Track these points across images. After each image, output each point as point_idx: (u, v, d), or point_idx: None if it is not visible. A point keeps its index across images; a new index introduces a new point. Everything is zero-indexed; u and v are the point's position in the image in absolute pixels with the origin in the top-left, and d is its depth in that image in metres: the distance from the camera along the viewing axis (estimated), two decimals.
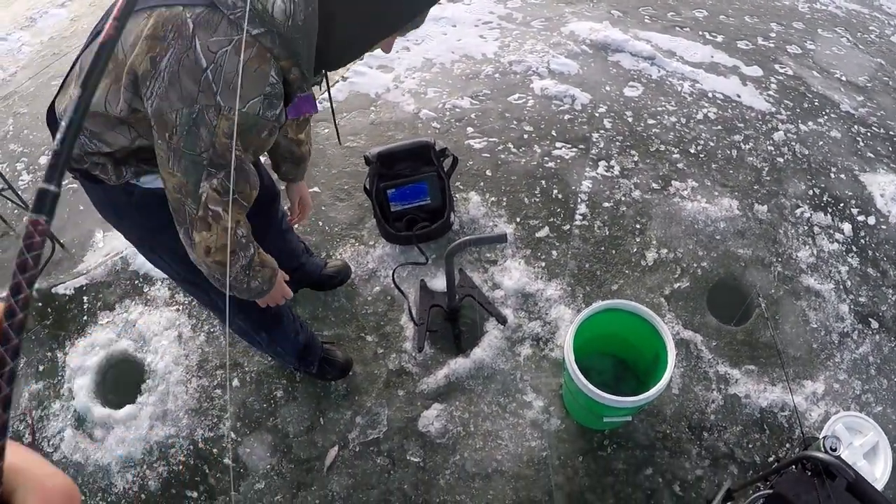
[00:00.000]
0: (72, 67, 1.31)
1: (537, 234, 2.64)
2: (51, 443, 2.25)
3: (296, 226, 2.18)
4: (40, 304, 2.59)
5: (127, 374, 2.39)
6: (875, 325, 2.51)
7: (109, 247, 2.73)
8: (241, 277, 1.37)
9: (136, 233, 1.56)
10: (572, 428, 2.16)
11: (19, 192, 2.74)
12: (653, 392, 1.80)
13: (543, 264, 2.55)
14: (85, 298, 2.55)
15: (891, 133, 3.17)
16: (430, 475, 2.05)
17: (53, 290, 2.60)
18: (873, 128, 3.19)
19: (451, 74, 3.28)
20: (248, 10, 1.02)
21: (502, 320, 2.36)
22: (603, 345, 2.19)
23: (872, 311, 2.55)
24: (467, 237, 1.98)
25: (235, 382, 2.28)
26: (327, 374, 2.21)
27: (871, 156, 3.06)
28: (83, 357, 2.38)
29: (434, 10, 3.82)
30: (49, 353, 2.44)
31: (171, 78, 1.05)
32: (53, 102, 1.38)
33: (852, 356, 2.42)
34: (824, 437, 1.71)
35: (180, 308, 2.48)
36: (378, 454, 2.10)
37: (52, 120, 1.40)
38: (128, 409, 2.24)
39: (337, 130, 1.94)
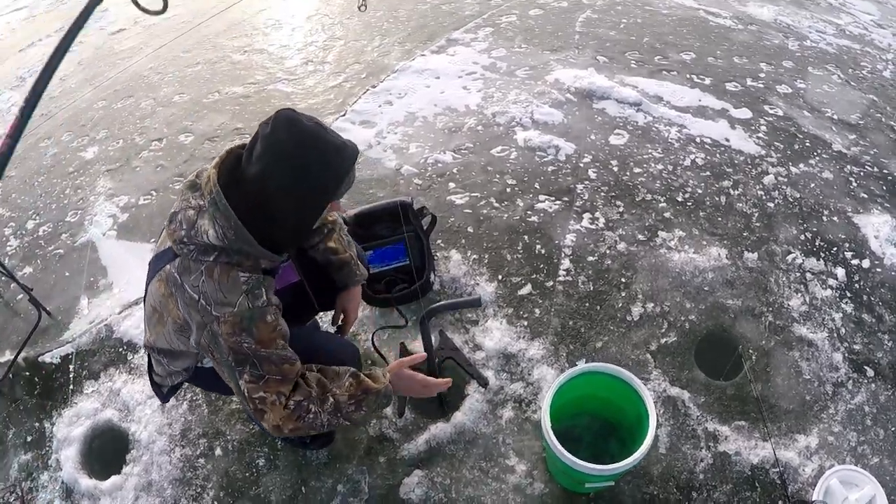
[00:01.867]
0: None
1: (520, 292, 2.82)
2: None
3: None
4: (27, 373, 2.81)
5: (112, 443, 2.58)
6: (871, 373, 2.64)
7: (94, 314, 2.96)
8: (336, 421, 1.65)
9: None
10: (556, 492, 2.30)
11: (4, 263, 2.98)
12: (632, 459, 1.92)
13: (526, 323, 2.72)
14: (71, 367, 2.77)
15: (884, 172, 3.36)
16: None
17: (40, 359, 2.82)
18: (866, 167, 3.37)
19: (434, 128, 3.53)
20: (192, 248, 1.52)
21: (483, 383, 2.53)
22: (585, 405, 2.34)
23: (868, 358, 2.68)
24: (440, 303, 2.17)
25: (218, 451, 2.45)
26: (313, 443, 2.39)
27: (865, 196, 3.23)
28: (69, 427, 2.59)
29: (418, 63, 4.12)
30: (37, 424, 2.65)
31: (188, 316, 1.53)
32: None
33: (847, 407, 2.54)
34: (813, 502, 1.83)
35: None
36: None
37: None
38: (113, 479, 2.42)
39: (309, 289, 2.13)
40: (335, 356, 1.96)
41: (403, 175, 3.28)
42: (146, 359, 1.95)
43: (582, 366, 2.11)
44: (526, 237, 3.01)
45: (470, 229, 3.05)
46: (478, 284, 2.84)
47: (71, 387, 2.74)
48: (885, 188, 3.29)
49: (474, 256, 2.95)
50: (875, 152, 3.45)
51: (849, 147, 3.46)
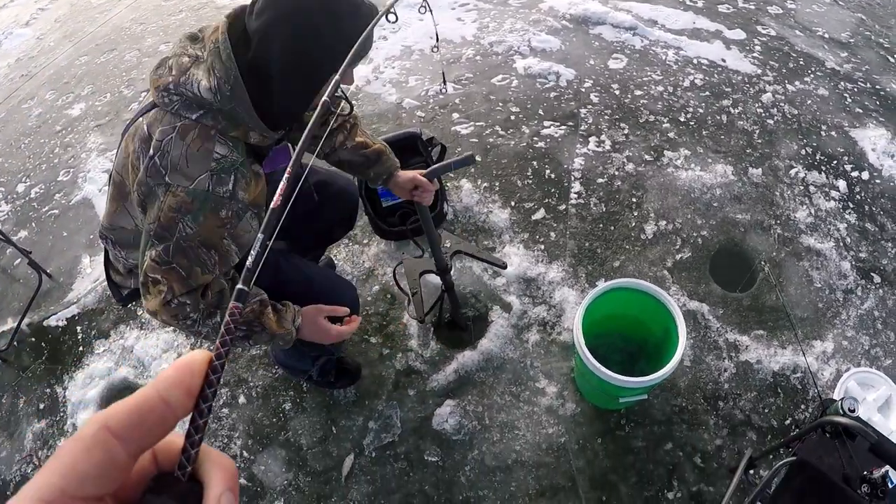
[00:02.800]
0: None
1: (533, 217, 2.57)
2: None
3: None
4: (33, 339, 2.48)
5: None
6: (877, 279, 2.47)
7: (98, 272, 2.62)
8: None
9: None
10: (588, 410, 2.11)
11: None
12: (666, 370, 1.75)
13: (542, 247, 2.48)
14: (78, 328, 2.44)
15: (877, 87, 3.13)
16: (450, 473, 1.99)
17: (45, 324, 2.48)
18: (859, 83, 3.13)
19: (432, 60, 3.18)
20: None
21: (502, 265, 2.20)
22: (611, 324, 2.13)
23: (874, 265, 2.51)
24: (435, 166, 1.81)
25: (241, 399, 2.19)
26: (338, 383, 2.14)
27: (860, 111, 3.01)
28: (83, 390, 2.29)
29: None
30: (48, 390, 2.34)
31: (139, 170, 1.17)
32: None
33: (858, 312, 2.39)
34: (842, 399, 1.67)
35: (177, 329, 2.38)
36: (395, 458, 2.03)
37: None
38: None
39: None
40: (332, 293, 1.65)
41: (405, 108, 2.95)
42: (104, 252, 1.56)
43: (609, 282, 1.88)
44: (535, 163, 2.73)
45: (478, 158, 2.75)
46: (491, 211, 2.57)
47: (80, 348, 2.43)
48: (878, 103, 3.06)
49: (485, 184, 2.67)
50: (867, 69, 3.20)
51: (841, 64, 3.21)
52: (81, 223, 2.90)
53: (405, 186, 1.71)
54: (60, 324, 2.46)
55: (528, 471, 1.99)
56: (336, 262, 2.47)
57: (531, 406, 2.12)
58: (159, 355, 2.30)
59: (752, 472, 2.01)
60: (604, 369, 1.74)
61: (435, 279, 2.38)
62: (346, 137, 1.64)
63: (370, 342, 2.26)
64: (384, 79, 3.08)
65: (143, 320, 2.43)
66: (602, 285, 1.89)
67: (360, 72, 3.12)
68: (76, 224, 2.93)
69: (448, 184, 2.65)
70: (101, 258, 2.72)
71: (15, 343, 2.48)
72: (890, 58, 3.29)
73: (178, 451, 0.31)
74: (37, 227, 2.98)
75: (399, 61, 3.17)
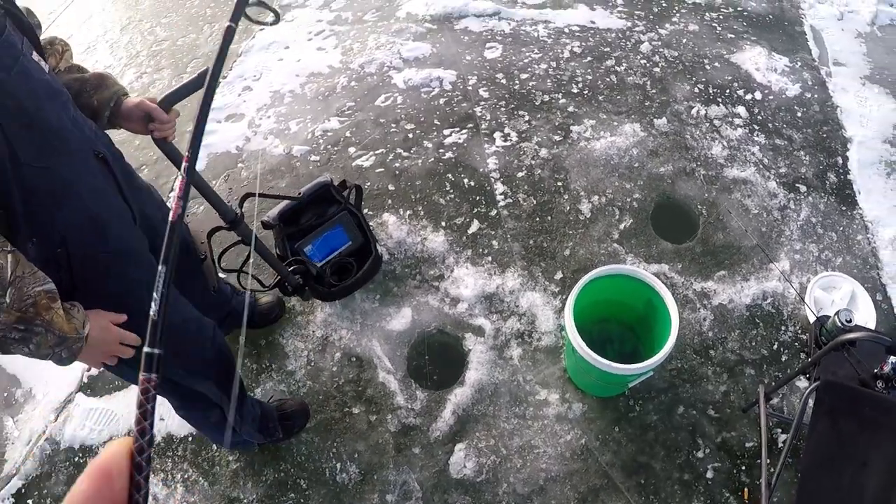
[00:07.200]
0: None
1: (469, 231, 2.76)
2: None
3: None
4: None
5: None
6: (803, 188, 2.92)
7: (27, 432, 2.46)
8: None
9: None
10: (594, 404, 2.32)
11: None
12: (671, 342, 1.95)
13: (490, 258, 2.68)
14: (30, 502, 2.30)
15: (739, 9, 3.67)
16: None
17: None
18: (722, 9, 3.67)
19: (307, 99, 3.30)
20: None
21: (298, 198, 2.35)
22: (592, 312, 2.36)
23: (796, 177, 2.96)
24: (167, 93, 1.59)
25: None
26: (293, 429, 2.26)
27: (732, 36, 3.52)
28: None
29: (263, 37, 3.77)
30: None
31: None
32: None
33: (798, 224, 2.80)
34: (837, 313, 1.99)
35: None
36: None
37: None
38: None
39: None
40: (194, 325, 1.66)
41: (297, 156, 3.05)
42: None
43: (586, 276, 2.10)
44: (450, 175, 2.94)
45: (391, 187, 2.91)
46: (425, 238, 2.74)
47: None
48: (745, 24, 3.60)
49: (408, 212, 2.83)
50: None
51: None
52: None
53: (134, 116, 1.54)
54: (9, 503, 2.31)
55: (562, 484, 2.16)
56: (272, 296, 2.53)
57: (540, 421, 2.29)
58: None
59: (770, 403, 2.33)
60: (614, 364, 1.92)
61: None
62: (57, 61, 1.48)
63: (353, 413, 2.33)
64: (263, 131, 3.17)
65: None
66: (580, 281, 2.09)
67: (234, 132, 3.18)
68: None
69: (371, 222, 2.79)
70: (24, 416, 2.52)
71: None
72: None
73: None
74: None
75: (273, 108, 3.27)
